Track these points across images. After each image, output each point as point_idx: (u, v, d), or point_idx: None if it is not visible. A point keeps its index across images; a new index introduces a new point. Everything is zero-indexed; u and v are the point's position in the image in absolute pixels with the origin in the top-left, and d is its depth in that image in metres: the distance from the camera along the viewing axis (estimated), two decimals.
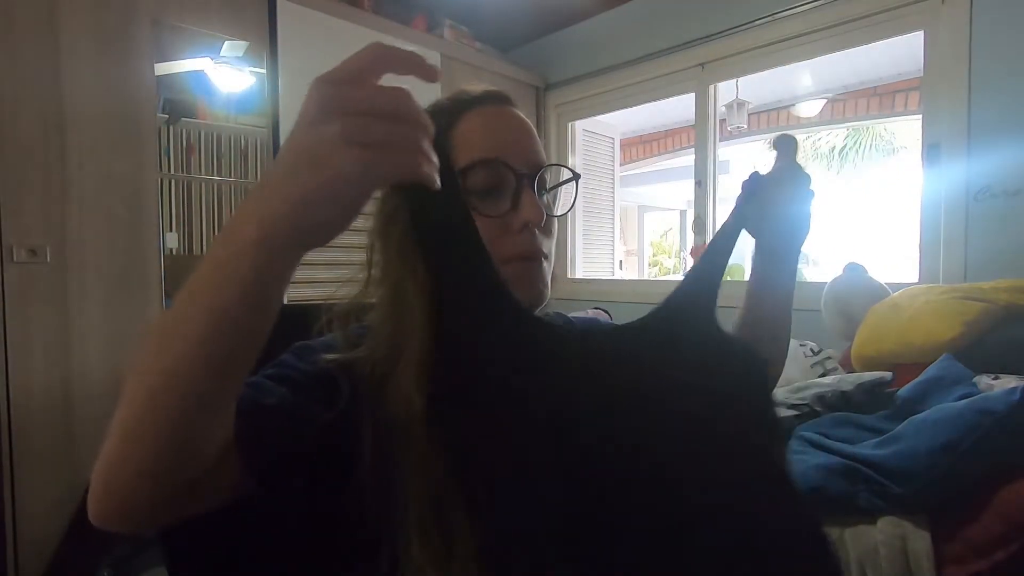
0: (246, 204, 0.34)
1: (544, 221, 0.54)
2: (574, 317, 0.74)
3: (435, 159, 0.34)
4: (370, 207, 0.59)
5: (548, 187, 0.59)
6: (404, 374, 0.46)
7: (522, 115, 0.59)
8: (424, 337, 0.49)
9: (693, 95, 2.59)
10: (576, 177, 0.62)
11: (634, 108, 3.07)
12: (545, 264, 0.56)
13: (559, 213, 0.60)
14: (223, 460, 0.38)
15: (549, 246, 0.57)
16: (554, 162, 0.61)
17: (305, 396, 0.46)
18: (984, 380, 1.19)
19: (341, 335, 0.53)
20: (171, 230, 1.98)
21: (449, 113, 0.56)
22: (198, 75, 2.04)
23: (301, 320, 0.79)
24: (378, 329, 0.52)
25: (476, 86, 0.60)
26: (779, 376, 0.72)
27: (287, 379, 0.47)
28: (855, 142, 7.04)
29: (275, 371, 0.48)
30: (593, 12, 2.86)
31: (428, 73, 0.36)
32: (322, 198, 0.31)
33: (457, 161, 0.54)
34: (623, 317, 2.21)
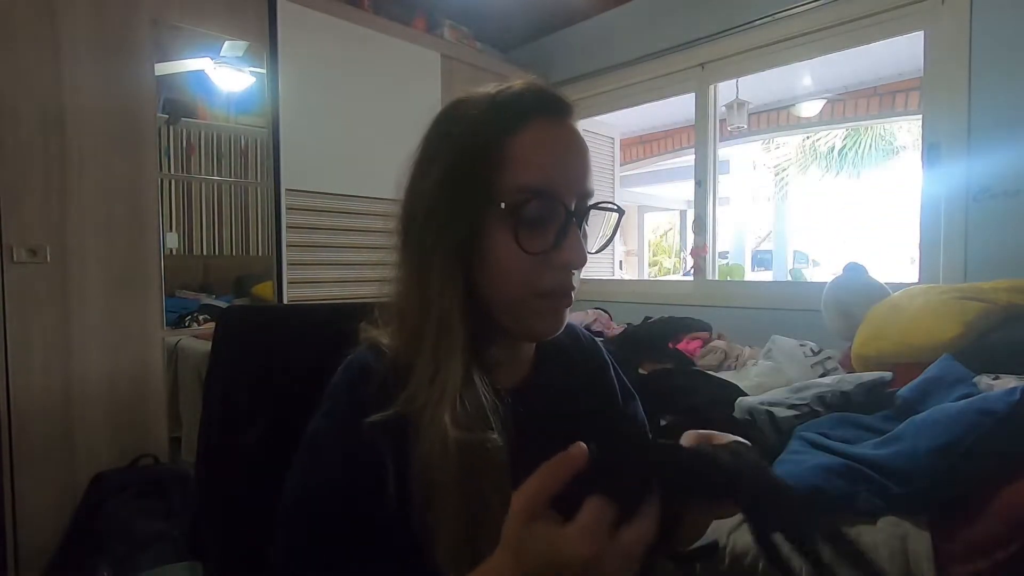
0: None
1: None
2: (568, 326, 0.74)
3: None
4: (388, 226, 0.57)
5: (588, 219, 0.55)
6: (439, 407, 0.48)
7: (579, 132, 0.56)
8: (459, 371, 0.50)
9: (693, 95, 2.59)
10: (620, 213, 0.59)
11: (634, 108, 3.07)
12: (572, 297, 0.55)
13: (595, 250, 0.57)
14: None
15: (578, 280, 0.55)
16: (598, 196, 0.56)
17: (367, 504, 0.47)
18: (984, 380, 1.18)
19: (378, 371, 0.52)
20: (171, 230, 1.98)
21: (511, 118, 0.52)
22: (198, 75, 2.04)
23: (302, 320, 0.79)
24: (419, 358, 0.51)
25: (537, 85, 0.56)
26: None
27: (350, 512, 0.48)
28: (855, 142, 7.04)
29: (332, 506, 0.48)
30: (593, 12, 2.85)
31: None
32: None
33: (510, 176, 0.51)
34: (623, 317, 2.19)
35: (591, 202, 0.55)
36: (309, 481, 0.49)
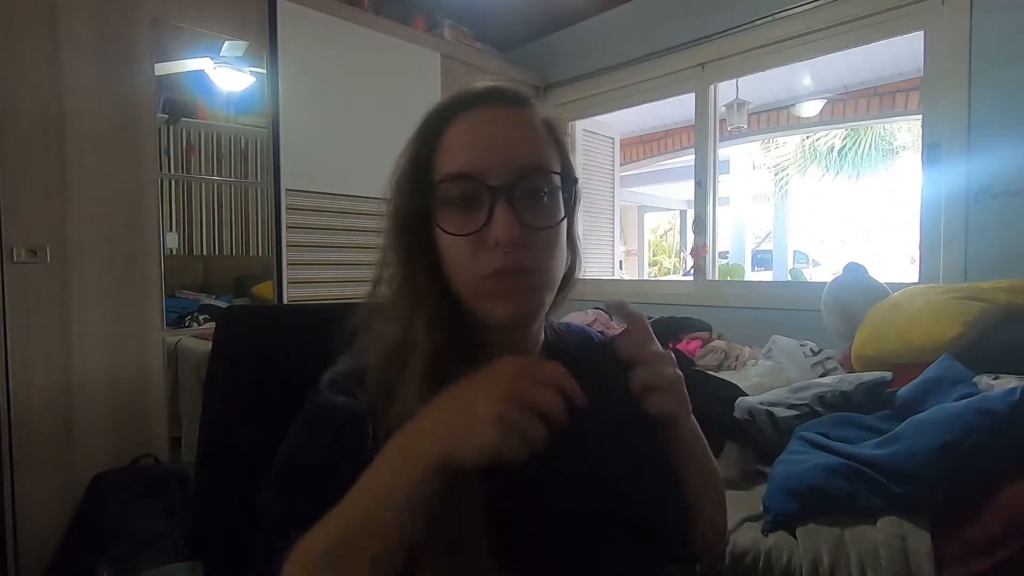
0: (409, 440, 0.44)
1: (522, 235, 0.50)
2: (574, 327, 0.74)
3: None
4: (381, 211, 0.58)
5: (542, 192, 0.53)
6: (408, 385, 0.49)
7: (518, 113, 0.55)
8: (427, 347, 0.51)
9: (693, 95, 2.59)
10: (571, 181, 0.56)
11: (634, 108, 3.07)
12: (532, 277, 0.52)
13: (545, 225, 0.53)
14: None
15: (538, 259, 0.52)
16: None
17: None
18: (984, 380, 1.19)
19: (348, 361, 0.55)
20: (171, 230, 1.98)
21: (441, 118, 0.55)
22: (198, 75, 2.04)
23: (302, 320, 0.79)
24: (386, 334, 0.53)
25: (477, 84, 0.57)
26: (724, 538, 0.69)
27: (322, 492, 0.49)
28: (855, 142, 7.03)
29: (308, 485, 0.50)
30: (593, 12, 2.86)
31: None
32: (464, 447, 0.41)
33: (440, 167, 0.53)
34: None
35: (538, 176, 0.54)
36: (291, 456, 0.52)
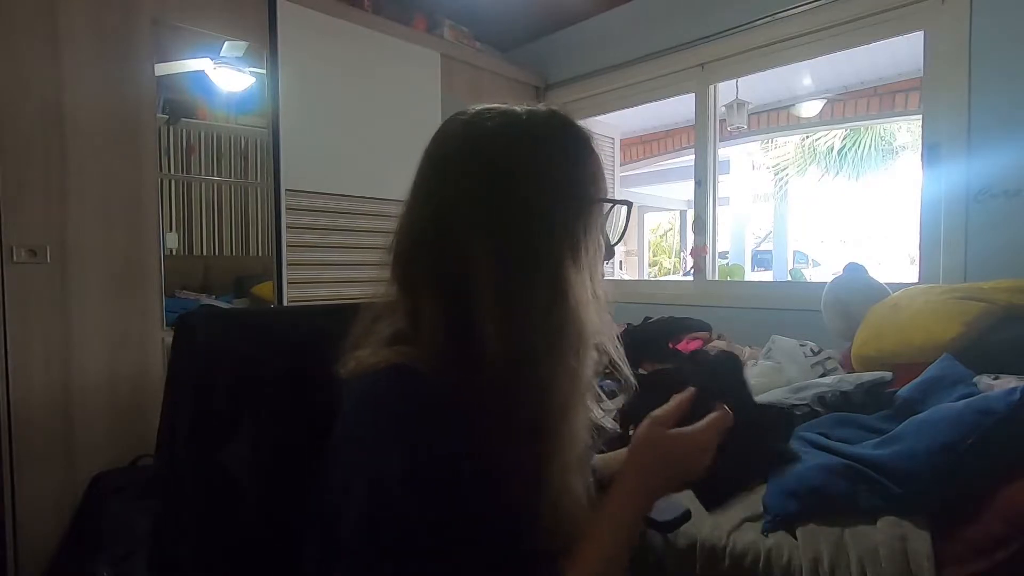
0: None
1: None
2: None
3: None
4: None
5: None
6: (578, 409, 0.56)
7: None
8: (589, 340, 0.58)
9: (693, 95, 2.59)
10: (628, 205, 0.67)
11: (634, 108, 3.07)
12: None
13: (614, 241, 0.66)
14: None
15: None
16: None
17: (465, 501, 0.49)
18: (984, 380, 1.19)
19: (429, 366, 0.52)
20: (171, 230, 1.98)
21: (586, 144, 0.63)
22: (198, 75, 2.04)
23: (305, 319, 0.79)
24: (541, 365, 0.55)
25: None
26: None
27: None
28: (855, 142, 7.03)
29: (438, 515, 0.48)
30: (593, 12, 2.85)
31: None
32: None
33: (603, 194, 0.61)
34: (623, 317, 2.19)
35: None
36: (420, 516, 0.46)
